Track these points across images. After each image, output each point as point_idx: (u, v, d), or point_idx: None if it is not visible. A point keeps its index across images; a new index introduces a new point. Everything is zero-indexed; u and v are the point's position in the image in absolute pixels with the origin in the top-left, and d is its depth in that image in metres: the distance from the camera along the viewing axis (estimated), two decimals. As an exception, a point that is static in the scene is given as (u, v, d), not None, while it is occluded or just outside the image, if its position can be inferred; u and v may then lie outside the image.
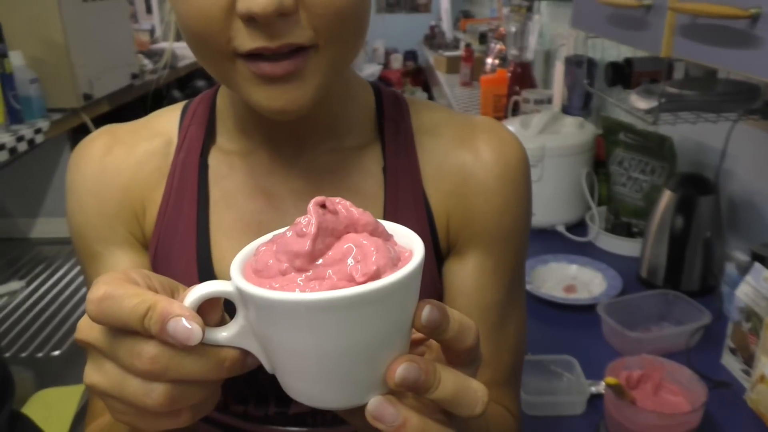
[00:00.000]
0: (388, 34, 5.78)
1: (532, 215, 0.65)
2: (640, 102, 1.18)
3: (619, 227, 1.51)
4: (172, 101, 0.66)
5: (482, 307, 0.60)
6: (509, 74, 2.39)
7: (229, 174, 0.60)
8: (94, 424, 0.58)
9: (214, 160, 0.60)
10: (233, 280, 0.34)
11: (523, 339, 0.65)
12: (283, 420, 0.61)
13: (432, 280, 0.61)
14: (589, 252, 1.46)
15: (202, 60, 0.49)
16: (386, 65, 5.71)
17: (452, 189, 0.60)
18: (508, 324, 0.62)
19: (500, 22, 3.17)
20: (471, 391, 0.36)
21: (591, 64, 1.97)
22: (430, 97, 4.24)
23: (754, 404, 0.95)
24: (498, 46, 3.03)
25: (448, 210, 0.60)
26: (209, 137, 0.61)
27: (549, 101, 2.18)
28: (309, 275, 0.33)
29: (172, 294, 0.36)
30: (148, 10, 3.71)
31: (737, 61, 0.73)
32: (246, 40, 0.45)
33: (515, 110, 2.25)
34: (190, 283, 0.37)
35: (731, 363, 1.04)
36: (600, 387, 0.98)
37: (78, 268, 2.07)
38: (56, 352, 1.62)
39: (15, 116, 1.84)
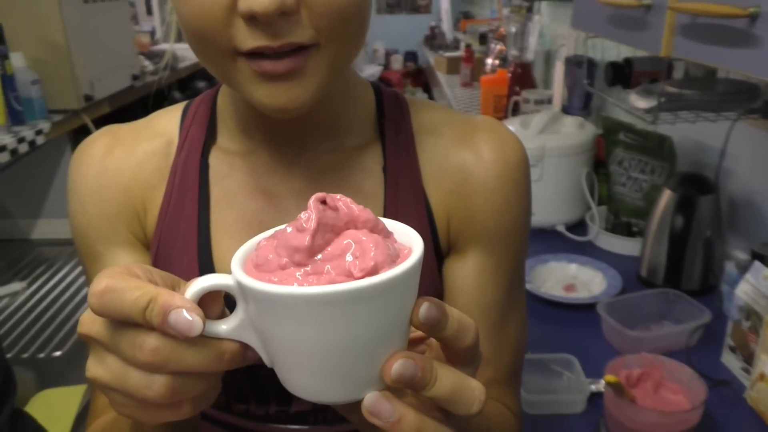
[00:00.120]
0: (389, 35, 5.79)
1: (532, 215, 0.65)
2: (639, 101, 1.18)
3: (619, 227, 1.51)
4: (173, 102, 0.66)
5: (482, 307, 0.61)
6: (509, 74, 2.39)
7: (230, 174, 0.60)
8: (95, 422, 0.58)
9: (215, 159, 0.61)
10: (233, 273, 0.34)
11: (523, 338, 0.65)
12: (285, 418, 0.62)
13: (432, 279, 0.61)
14: (589, 251, 1.46)
15: (204, 59, 0.50)
16: (386, 66, 5.71)
17: (452, 188, 0.60)
18: (508, 323, 0.62)
19: (500, 23, 3.17)
20: (468, 389, 0.36)
21: (591, 64, 1.97)
22: (431, 98, 4.24)
23: (753, 402, 0.96)
24: (498, 47, 3.03)
25: (448, 209, 0.60)
26: (210, 137, 0.61)
27: (549, 101, 2.18)
28: (308, 270, 0.33)
29: (173, 288, 0.37)
30: (149, 11, 3.72)
31: (737, 61, 0.73)
32: (247, 39, 0.45)
33: (515, 110, 2.25)
34: None
35: (731, 361, 1.04)
36: (600, 385, 0.98)
37: (79, 268, 2.08)
38: (57, 353, 1.63)
39: (16, 117, 1.84)
